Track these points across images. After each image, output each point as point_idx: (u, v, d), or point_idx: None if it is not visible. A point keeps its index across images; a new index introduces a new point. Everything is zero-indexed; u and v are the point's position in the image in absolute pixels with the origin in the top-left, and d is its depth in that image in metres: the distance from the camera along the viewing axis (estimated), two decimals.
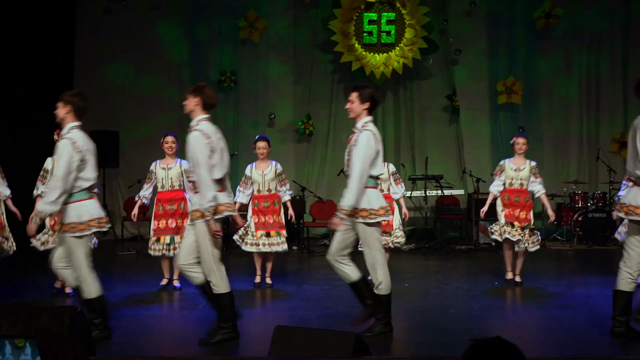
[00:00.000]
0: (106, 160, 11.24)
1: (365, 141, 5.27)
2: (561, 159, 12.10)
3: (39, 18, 10.63)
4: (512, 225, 7.69)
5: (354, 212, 5.31)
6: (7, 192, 7.10)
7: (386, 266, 5.61)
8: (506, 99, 11.93)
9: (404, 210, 7.93)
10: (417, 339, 5.85)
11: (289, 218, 8.20)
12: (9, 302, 6.84)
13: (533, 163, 7.93)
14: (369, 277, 7.59)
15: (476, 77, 12.12)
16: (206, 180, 5.02)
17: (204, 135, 5.08)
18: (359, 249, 7.90)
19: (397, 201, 7.92)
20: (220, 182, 5.21)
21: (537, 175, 7.89)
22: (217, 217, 5.08)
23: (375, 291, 5.55)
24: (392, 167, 7.98)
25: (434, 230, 10.98)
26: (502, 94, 11.94)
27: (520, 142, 7.87)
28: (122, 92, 11.90)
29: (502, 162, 8.00)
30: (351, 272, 5.57)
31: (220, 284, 5.18)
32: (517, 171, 7.83)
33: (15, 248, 7.07)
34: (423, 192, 10.74)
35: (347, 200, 5.27)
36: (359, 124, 5.37)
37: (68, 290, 7.17)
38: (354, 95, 5.37)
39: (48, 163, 7.18)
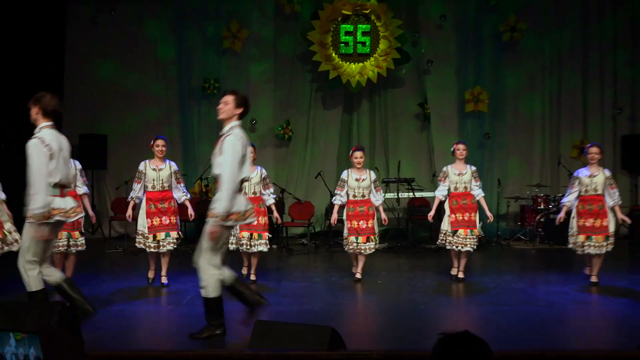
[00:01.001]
0: (95, 162, 11.19)
1: (232, 146, 5.03)
2: (525, 164, 12.18)
3: (30, 25, 10.51)
4: (455, 233, 7.72)
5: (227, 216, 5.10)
6: (3, 196, 7.04)
7: (213, 269, 5.28)
8: (473, 107, 11.98)
9: (383, 216, 7.89)
10: (390, 332, 5.86)
11: (274, 220, 8.22)
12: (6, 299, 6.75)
13: (473, 168, 7.95)
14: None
15: (446, 86, 12.15)
16: (40, 185, 4.96)
17: (42, 142, 5.02)
18: (357, 251, 7.91)
19: (377, 208, 7.91)
20: (58, 187, 5.17)
21: (477, 179, 7.91)
22: (47, 221, 5.04)
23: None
24: (373, 175, 7.95)
25: (406, 230, 11.01)
26: (470, 102, 11.98)
27: (460, 148, 7.88)
28: (110, 89, 11.74)
29: (445, 169, 7.97)
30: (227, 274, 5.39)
31: (30, 282, 5.22)
32: (459, 175, 7.83)
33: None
34: (396, 194, 10.77)
35: (221, 207, 5.05)
36: (225, 128, 5.15)
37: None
38: (229, 98, 5.14)
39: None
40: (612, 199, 7.57)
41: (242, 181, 5.24)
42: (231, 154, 5.03)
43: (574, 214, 7.68)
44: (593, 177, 7.60)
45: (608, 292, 7.37)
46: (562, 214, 7.85)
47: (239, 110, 5.17)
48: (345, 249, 7.93)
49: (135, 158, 10.96)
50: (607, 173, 7.67)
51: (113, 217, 11.13)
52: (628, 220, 7.81)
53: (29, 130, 8.53)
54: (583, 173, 7.68)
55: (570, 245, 7.72)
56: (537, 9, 12.00)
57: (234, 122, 5.16)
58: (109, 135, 11.57)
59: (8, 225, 6.97)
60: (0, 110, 9.88)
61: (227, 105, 5.14)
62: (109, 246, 10.50)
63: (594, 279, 7.60)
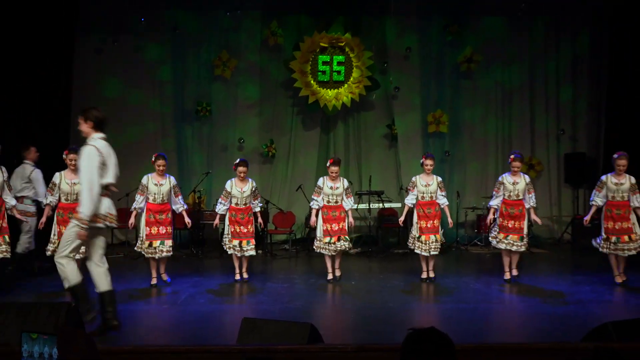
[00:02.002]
0: None
1: (86, 155, 5.03)
2: (480, 178, 12.22)
3: (40, 54, 10.40)
4: (419, 239, 7.76)
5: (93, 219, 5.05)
6: (13, 202, 7.01)
7: (71, 263, 5.15)
8: (435, 128, 12.03)
9: (350, 219, 7.92)
10: (363, 328, 5.86)
11: (259, 226, 8.24)
12: (14, 300, 6.63)
13: (439, 178, 7.97)
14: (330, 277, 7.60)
15: (411, 109, 12.17)
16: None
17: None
18: (332, 250, 7.90)
19: (347, 212, 7.93)
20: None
21: (443, 189, 7.92)
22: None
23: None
24: (346, 183, 7.99)
25: (377, 237, 11.01)
26: (432, 124, 12.03)
27: (428, 162, 7.87)
28: (114, 104, 11.54)
29: (413, 179, 7.97)
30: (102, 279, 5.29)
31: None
32: (426, 186, 7.84)
33: (8, 255, 6.92)
34: (367, 205, 10.79)
35: (85, 211, 4.97)
36: (87, 141, 5.13)
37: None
38: (79, 119, 5.17)
39: (56, 177, 7.11)
40: (528, 202, 7.70)
41: (105, 186, 5.18)
42: (86, 162, 5.02)
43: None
44: (516, 184, 7.69)
45: (534, 291, 7.42)
46: (490, 216, 7.98)
47: (90, 124, 5.16)
48: (318, 250, 7.86)
49: (134, 173, 10.92)
50: (527, 179, 7.79)
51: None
52: (539, 221, 7.91)
53: (41, 148, 8.46)
54: (507, 179, 7.76)
55: (493, 243, 7.86)
56: (491, 44, 12.09)
57: (94, 135, 5.16)
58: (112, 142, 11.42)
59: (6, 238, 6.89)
60: (12, 131, 9.74)
61: (80, 125, 5.20)
62: (111, 252, 10.35)
63: (515, 272, 7.80)
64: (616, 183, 7.47)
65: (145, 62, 11.81)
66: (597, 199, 7.59)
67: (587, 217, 7.72)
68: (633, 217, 7.47)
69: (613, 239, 7.44)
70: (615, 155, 7.61)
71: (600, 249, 7.62)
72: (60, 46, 10.86)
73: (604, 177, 7.61)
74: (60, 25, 10.74)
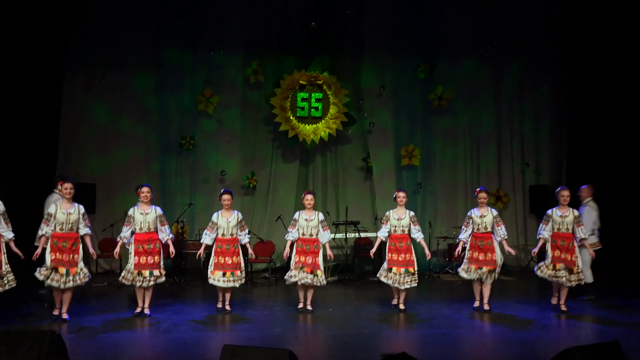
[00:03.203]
0: (85, 208, 10.89)
1: None
2: (451, 208, 12.29)
3: (29, 89, 10.38)
4: (390, 270, 7.64)
5: None
6: (11, 235, 6.83)
7: None
8: (408, 161, 12.13)
9: (329, 252, 7.79)
10: (339, 354, 5.81)
11: (249, 257, 8.08)
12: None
13: (411, 213, 7.83)
14: (300, 306, 7.54)
15: (385, 144, 12.28)
16: None
17: None
18: (304, 282, 7.83)
19: (324, 245, 7.83)
20: None
21: (416, 223, 7.79)
22: None
23: None
24: (321, 216, 7.86)
25: (353, 265, 10.97)
26: (405, 157, 12.13)
27: (400, 195, 7.78)
28: (101, 129, 11.58)
29: (387, 213, 7.85)
30: None
31: None
32: (399, 220, 7.70)
33: (14, 284, 6.76)
34: (344, 234, 10.78)
35: None
36: None
37: (65, 316, 6.93)
38: None
39: (52, 209, 7.01)
40: (499, 235, 7.69)
41: None
42: None
43: (467, 247, 7.73)
44: (483, 217, 7.71)
45: (502, 318, 7.44)
46: (459, 248, 7.97)
47: None
48: (289, 281, 7.66)
49: (118, 205, 10.86)
50: (494, 212, 7.78)
51: (99, 255, 10.81)
52: (513, 252, 7.91)
53: (30, 178, 8.33)
54: (475, 213, 7.77)
55: (462, 274, 7.74)
56: (460, 82, 12.30)
57: None
58: (97, 184, 11.33)
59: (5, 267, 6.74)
60: (7, 161, 9.65)
61: None
62: (95, 281, 10.17)
63: (486, 306, 7.66)
64: (561, 216, 7.57)
65: (132, 97, 11.78)
66: (544, 232, 7.66)
67: (536, 250, 7.73)
68: (577, 251, 7.56)
69: (559, 266, 7.50)
70: (558, 189, 7.80)
71: (541, 273, 7.62)
72: (49, 82, 10.84)
73: (549, 211, 7.70)
74: (50, 62, 10.73)
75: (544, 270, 7.60)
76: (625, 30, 10.60)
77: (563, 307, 7.58)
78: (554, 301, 7.75)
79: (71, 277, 6.88)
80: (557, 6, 12.00)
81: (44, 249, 6.98)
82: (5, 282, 6.68)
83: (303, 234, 7.69)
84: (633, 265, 10.08)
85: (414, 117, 12.26)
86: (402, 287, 7.61)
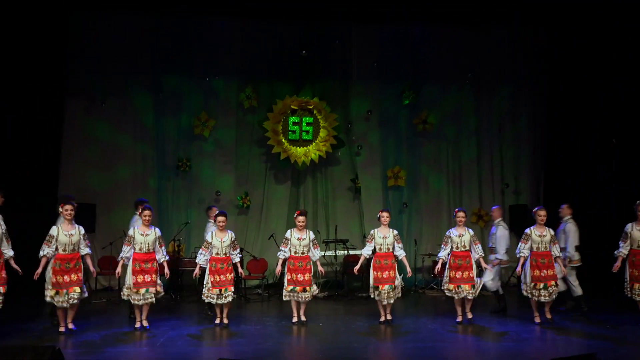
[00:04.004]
0: (85, 227, 10.85)
1: None
2: (435, 227, 12.31)
3: (31, 114, 10.46)
4: (377, 288, 7.68)
5: None
6: (11, 252, 6.83)
7: None
8: (394, 182, 12.20)
9: (320, 269, 7.83)
10: None
11: (240, 275, 8.11)
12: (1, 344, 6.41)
13: (395, 232, 7.89)
14: (294, 320, 7.52)
15: (372, 165, 12.35)
16: None
17: None
18: (297, 299, 7.82)
19: (315, 262, 7.85)
20: None
21: (399, 241, 7.85)
22: None
23: None
24: (312, 235, 7.91)
25: (342, 281, 10.97)
26: (391, 178, 12.21)
27: (384, 215, 7.86)
28: (101, 149, 11.59)
29: (372, 232, 7.90)
30: None
31: None
32: (384, 238, 7.76)
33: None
34: (334, 252, 10.80)
35: None
36: None
37: (71, 326, 6.99)
38: None
39: (54, 230, 6.98)
40: (476, 252, 7.74)
41: None
42: None
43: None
44: (461, 236, 7.77)
45: (485, 331, 7.47)
46: (438, 265, 7.93)
47: None
48: (285, 298, 7.75)
49: (118, 222, 10.82)
50: (471, 232, 7.85)
51: (99, 272, 10.73)
52: (490, 269, 7.96)
53: (29, 199, 8.32)
54: (453, 233, 7.84)
55: (445, 291, 7.81)
56: (443, 107, 12.42)
57: None
58: (97, 203, 11.30)
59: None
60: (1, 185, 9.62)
61: None
62: (95, 297, 10.09)
63: (469, 315, 7.77)
64: (539, 235, 7.64)
65: (131, 120, 11.81)
66: (524, 250, 7.71)
67: (519, 268, 7.72)
68: (556, 267, 7.66)
69: (540, 285, 7.54)
70: (535, 209, 7.90)
71: (525, 293, 7.73)
72: (50, 107, 10.90)
73: (527, 230, 7.76)
74: (51, 88, 10.81)
75: (526, 290, 7.69)
76: (595, 65, 10.95)
77: (548, 315, 7.65)
78: (537, 320, 7.76)
79: (71, 295, 6.87)
80: (532, 43, 12.24)
81: (44, 269, 6.96)
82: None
83: (295, 252, 7.72)
84: (608, 279, 10.14)
85: (399, 140, 12.36)
86: (386, 302, 7.70)
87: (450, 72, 12.31)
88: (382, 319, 7.88)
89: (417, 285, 11.18)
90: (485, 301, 9.76)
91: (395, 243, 7.81)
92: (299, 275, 7.64)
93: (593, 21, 10.84)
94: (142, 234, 7.32)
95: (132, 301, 7.28)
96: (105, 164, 11.63)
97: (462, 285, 7.64)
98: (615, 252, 7.65)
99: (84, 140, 11.55)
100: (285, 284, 7.71)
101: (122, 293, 7.38)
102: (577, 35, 11.29)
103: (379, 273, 7.72)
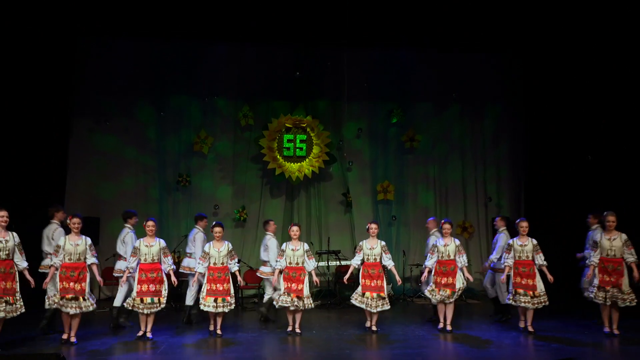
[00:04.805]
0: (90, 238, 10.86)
1: None
2: (423, 238, 12.25)
3: (37, 132, 10.50)
4: (363, 295, 7.72)
5: None
6: (25, 264, 6.84)
7: None
8: (383, 196, 12.29)
9: (315, 279, 7.86)
10: None
11: (238, 284, 8.10)
12: (7, 353, 6.39)
13: (383, 243, 7.94)
14: (290, 329, 7.51)
15: (362, 180, 12.44)
16: None
17: None
18: (292, 307, 7.83)
19: (310, 272, 7.87)
20: None
21: (387, 252, 7.89)
22: None
23: None
24: (306, 246, 7.94)
25: (334, 291, 10.98)
26: (380, 192, 12.30)
27: (372, 227, 7.91)
28: (106, 162, 11.64)
29: (360, 243, 7.98)
30: None
31: None
32: (371, 249, 7.81)
33: (23, 310, 6.70)
34: (326, 262, 10.83)
35: None
36: None
37: (73, 339, 6.88)
38: None
39: (61, 241, 7.03)
40: (460, 262, 7.80)
41: None
42: None
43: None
44: (447, 246, 7.82)
45: (468, 338, 7.50)
46: (425, 273, 7.99)
47: None
48: (279, 305, 7.71)
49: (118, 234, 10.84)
50: (457, 242, 7.90)
51: (104, 282, 10.70)
52: (471, 279, 8.01)
53: (39, 211, 8.32)
54: (440, 242, 7.90)
55: (428, 295, 7.83)
56: (429, 125, 12.56)
57: None
58: (100, 217, 11.31)
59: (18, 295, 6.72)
60: (11, 200, 9.60)
61: None
62: (98, 307, 10.03)
63: (449, 327, 7.75)
64: (521, 245, 7.72)
65: (134, 139, 11.87)
66: (508, 260, 7.77)
67: (503, 277, 7.79)
68: (538, 276, 7.69)
69: (521, 291, 7.60)
70: (517, 220, 7.98)
71: (508, 301, 7.79)
72: (57, 126, 10.96)
73: (510, 241, 7.85)
74: (57, 108, 10.88)
75: (509, 297, 7.74)
76: (571, 87, 11.18)
77: (530, 329, 7.67)
78: (521, 324, 7.83)
79: (78, 304, 6.87)
80: (511, 66, 12.46)
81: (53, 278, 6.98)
82: (17, 307, 6.66)
83: (290, 263, 7.75)
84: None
85: (388, 156, 12.47)
86: (374, 310, 7.72)
87: (435, 93, 12.47)
88: (368, 324, 7.90)
89: (405, 293, 11.21)
90: (471, 309, 9.82)
91: (383, 254, 7.86)
92: (293, 285, 7.67)
93: (566, 47, 11.10)
94: (146, 245, 7.37)
95: (137, 310, 7.28)
96: (108, 179, 11.69)
97: (444, 290, 7.70)
98: (588, 262, 7.74)
99: (89, 158, 11.62)
100: (283, 291, 7.72)
101: (127, 303, 7.35)
102: (552, 59, 11.52)
103: (367, 281, 7.79)
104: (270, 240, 8.83)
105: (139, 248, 7.36)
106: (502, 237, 8.61)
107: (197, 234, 8.87)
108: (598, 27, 10.30)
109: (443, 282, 7.75)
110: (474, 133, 12.69)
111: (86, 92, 11.53)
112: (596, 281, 7.53)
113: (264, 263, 8.89)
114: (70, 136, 11.42)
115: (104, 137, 11.71)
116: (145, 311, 7.26)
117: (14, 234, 6.86)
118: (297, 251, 7.78)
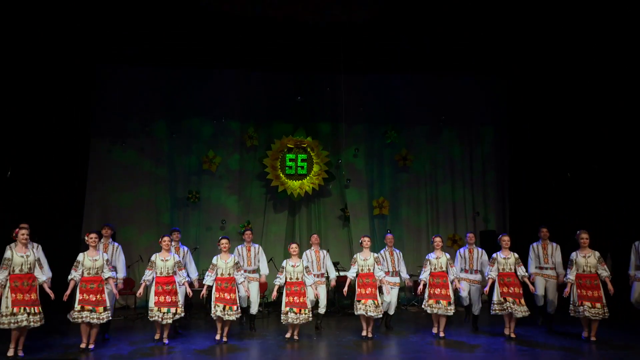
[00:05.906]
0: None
1: None
2: (416, 250, 12.40)
3: (59, 152, 10.66)
4: (360, 302, 7.75)
5: None
6: (44, 277, 6.88)
7: None
8: (379, 211, 12.36)
9: (315, 292, 7.90)
10: None
11: (244, 292, 8.13)
12: (29, 358, 6.44)
13: (375, 254, 8.01)
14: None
15: (359, 196, 12.50)
16: None
17: None
18: (294, 321, 7.87)
19: (310, 286, 7.91)
20: None
21: (379, 263, 7.96)
22: None
23: None
24: (305, 263, 8.01)
25: (334, 300, 11.00)
26: (376, 208, 12.37)
27: (365, 240, 7.99)
28: (121, 180, 11.73)
29: (355, 256, 8.05)
30: None
31: None
32: (365, 260, 7.89)
33: (43, 321, 6.72)
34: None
35: None
36: None
37: (91, 346, 6.95)
38: None
39: (80, 256, 7.07)
40: (452, 274, 7.85)
41: None
42: None
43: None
44: (438, 259, 7.88)
45: (459, 344, 7.52)
46: (420, 287, 7.98)
47: None
48: (283, 319, 7.71)
49: (134, 249, 10.91)
50: (447, 256, 7.94)
51: (118, 295, 10.71)
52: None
53: (58, 229, 8.37)
54: (432, 256, 7.96)
55: (427, 310, 7.85)
56: (421, 145, 12.66)
57: None
58: (116, 232, 11.34)
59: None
60: (34, 212, 9.69)
61: None
62: (114, 315, 10.06)
63: (442, 334, 7.77)
64: (504, 258, 7.79)
65: (148, 158, 11.98)
66: (492, 273, 7.83)
67: (487, 289, 7.84)
68: (521, 286, 7.74)
69: (510, 299, 7.64)
70: (500, 235, 8.06)
71: (492, 312, 7.79)
72: (76, 147, 11.08)
73: (494, 255, 7.91)
74: (78, 130, 11.04)
75: (495, 308, 7.77)
76: (552, 109, 11.30)
77: (512, 335, 7.72)
78: (506, 331, 7.88)
79: (97, 315, 6.92)
80: (496, 88, 12.62)
81: (73, 290, 7.03)
82: (39, 318, 6.69)
83: (290, 278, 7.77)
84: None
85: (383, 174, 12.56)
86: (371, 315, 7.73)
87: (426, 115, 12.60)
88: (364, 333, 7.92)
89: (400, 302, 11.20)
90: (460, 317, 9.84)
91: (376, 265, 7.92)
92: (295, 298, 7.69)
93: (549, 69, 11.25)
94: (162, 260, 7.47)
95: (151, 318, 7.34)
96: (124, 198, 11.75)
97: (440, 301, 7.71)
98: (565, 279, 7.78)
99: (106, 178, 11.72)
100: (283, 307, 7.73)
101: (149, 315, 7.40)
102: (535, 80, 11.64)
103: (362, 290, 7.85)
104: (260, 248, 9.04)
105: (155, 262, 7.45)
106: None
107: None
108: (581, 48, 10.36)
109: (437, 292, 7.80)
110: (462, 152, 12.77)
111: (104, 114, 11.69)
112: (574, 297, 7.58)
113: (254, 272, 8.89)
114: (89, 156, 11.55)
115: (120, 159, 11.82)
116: (163, 321, 7.32)
117: (35, 249, 6.94)
118: (296, 267, 7.82)
